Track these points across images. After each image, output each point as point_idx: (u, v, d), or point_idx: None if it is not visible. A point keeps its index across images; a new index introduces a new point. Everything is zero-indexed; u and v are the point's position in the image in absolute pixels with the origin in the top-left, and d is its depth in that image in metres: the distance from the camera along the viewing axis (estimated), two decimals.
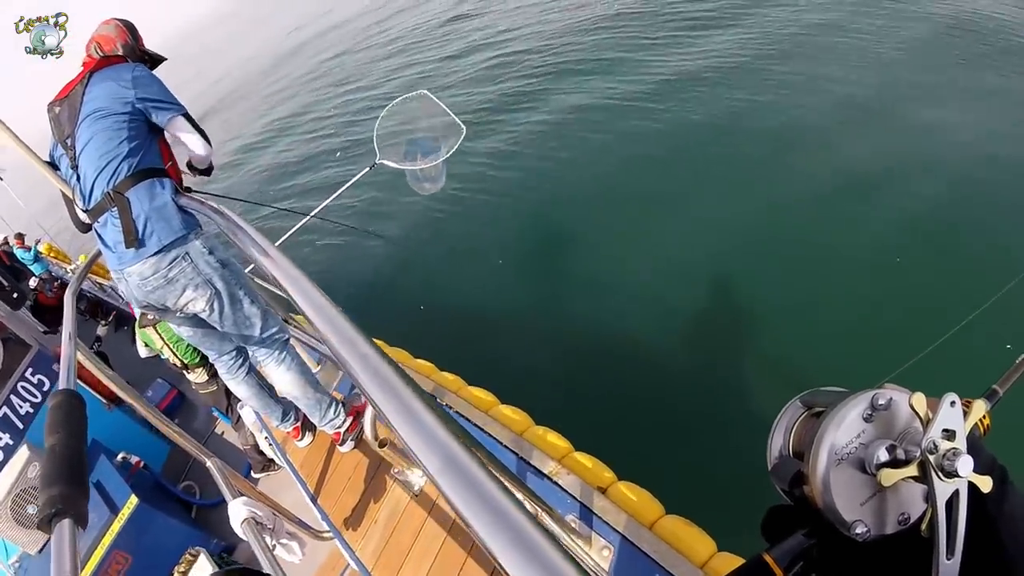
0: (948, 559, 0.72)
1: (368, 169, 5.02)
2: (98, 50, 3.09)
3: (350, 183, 5.06)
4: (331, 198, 5.14)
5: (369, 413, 2.79)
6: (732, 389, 6.02)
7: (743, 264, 7.31)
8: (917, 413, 0.76)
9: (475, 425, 3.30)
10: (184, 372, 4.85)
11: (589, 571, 2.36)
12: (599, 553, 2.47)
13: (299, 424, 3.87)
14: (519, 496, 0.69)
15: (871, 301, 6.37)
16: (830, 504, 0.75)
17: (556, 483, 2.81)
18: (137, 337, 4.85)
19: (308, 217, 5.29)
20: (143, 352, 4.94)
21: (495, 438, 3.19)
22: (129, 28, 3.20)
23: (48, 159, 3.15)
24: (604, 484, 2.78)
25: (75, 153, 2.83)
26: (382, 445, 2.93)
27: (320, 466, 3.89)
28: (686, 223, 8.21)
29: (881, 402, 0.76)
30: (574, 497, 2.72)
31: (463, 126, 4.97)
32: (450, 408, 3.50)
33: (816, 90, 9.82)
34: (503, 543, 0.63)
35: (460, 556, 2.86)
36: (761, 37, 11.72)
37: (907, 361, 2.53)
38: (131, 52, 3.14)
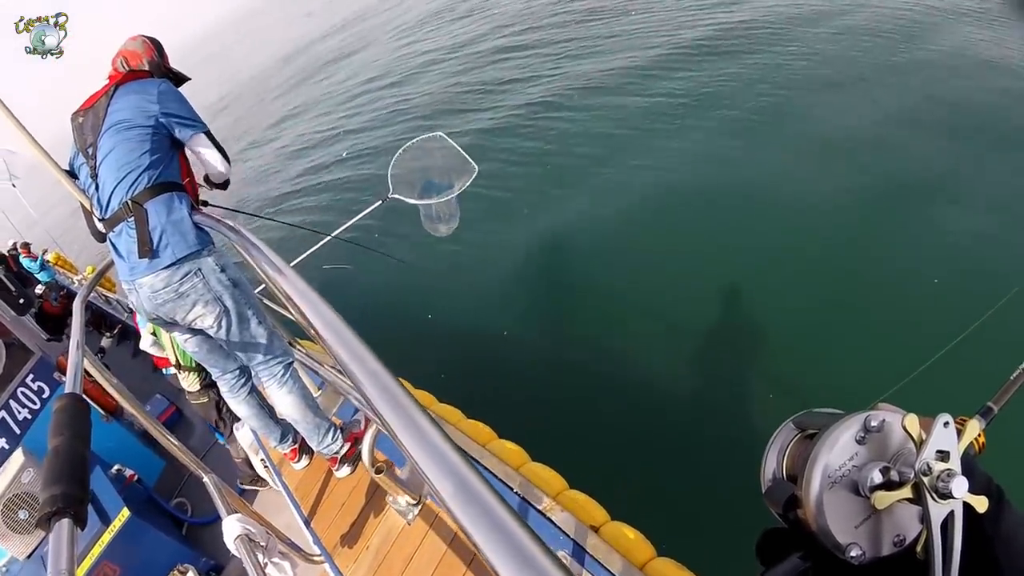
0: None
1: (380, 203, 5.10)
2: (124, 64, 3.16)
3: (362, 215, 5.12)
4: (343, 227, 5.19)
5: (367, 440, 2.79)
6: (730, 426, 6.00)
7: (747, 291, 7.37)
8: (910, 434, 0.75)
9: (472, 458, 3.29)
10: (177, 373, 4.80)
11: None
12: None
13: (297, 447, 3.85)
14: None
15: (868, 316, 6.40)
16: (824, 527, 0.75)
17: (550, 519, 2.80)
18: (145, 324, 4.78)
19: (321, 243, 5.33)
20: (147, 342, 4.85)
21: (491, 471, 3.19)
22: (155, 45, 3.28)
23: (67, 167, 3.20)
24: (597, 523, 2.78)
25: (96, 163, 2.88)
26: (378, 472, 2.93)
27: (315, 490, 3.87)
28: (695, 245, 8.28)
29: (874, 424, 0.77)
30: (567, 534, 2.71)
31: (476, 166, 5.10)
32: None
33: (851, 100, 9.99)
34: (515, 569, 0.63)
35: None
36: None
37: (903, 374, 2.54)
38: (156, 68, 3.21)
